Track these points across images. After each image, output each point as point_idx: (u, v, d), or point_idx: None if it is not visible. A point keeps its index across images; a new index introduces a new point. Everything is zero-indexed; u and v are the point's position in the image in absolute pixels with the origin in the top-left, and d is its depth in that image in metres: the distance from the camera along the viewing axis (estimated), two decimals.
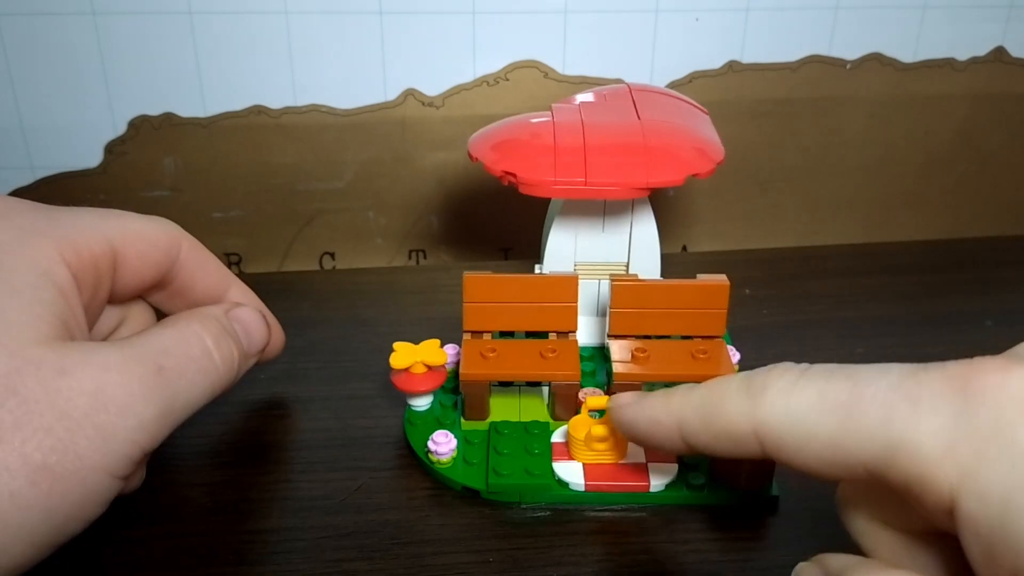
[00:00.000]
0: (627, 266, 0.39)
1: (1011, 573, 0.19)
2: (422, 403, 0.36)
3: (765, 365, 0.24)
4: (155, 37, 0.46)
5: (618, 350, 0.35)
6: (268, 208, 0.51)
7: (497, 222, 0.53)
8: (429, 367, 0.35)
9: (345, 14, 0.47)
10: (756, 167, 0.53)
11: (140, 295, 0.33)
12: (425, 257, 0.54)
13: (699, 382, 0.34)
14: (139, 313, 0.34)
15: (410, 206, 0.52)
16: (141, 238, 0.31)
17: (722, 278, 0.34)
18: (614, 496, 0.32)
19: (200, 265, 0.33)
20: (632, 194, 0.35)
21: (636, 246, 0.38)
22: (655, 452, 0.33)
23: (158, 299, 0.34)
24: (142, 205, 0.50)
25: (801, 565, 0.25)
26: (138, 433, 0.26)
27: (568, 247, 0.38)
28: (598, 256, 0.38)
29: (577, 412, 0.33)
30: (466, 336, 0.35)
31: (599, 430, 0.32)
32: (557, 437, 0.34)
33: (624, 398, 0.29)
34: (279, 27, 0.47)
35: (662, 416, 0.27)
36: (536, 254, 0.40)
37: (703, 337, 0.35)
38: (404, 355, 0.34)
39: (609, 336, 0.35)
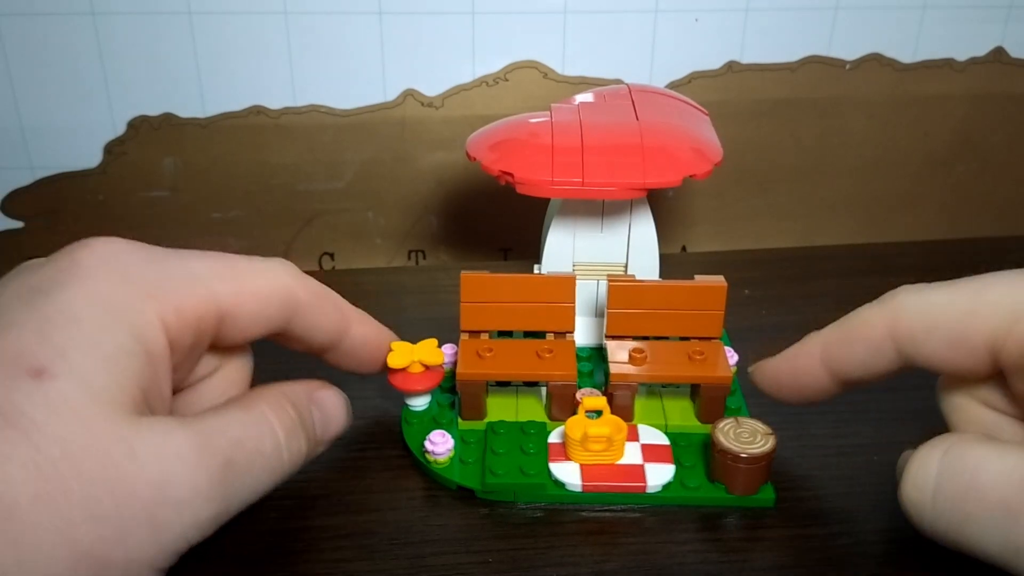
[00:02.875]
0: (625, 266, 0.39)
1: None
2: (419, 403, 0.36)
3: None
4: (155, 37, 0.46)
5: (615, 351, 0.35)
6: (268, 208, 0.51)
7: (496, 222, 0.53)
8: (426, 367, 0.35)
9: (345, 14, 0.47)
10: (756, 167, 0.53)
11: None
12: (424, 257, 0.54)
13: (697, 383, 0.34)
14: (238, 364, 0.32)
15: (409, 206, 0.52)
16: (254, 297, 0.29)
17: (719, 279, 0.34)
18: (611, 496, 0.32)
19: (316, 311, 0.31)
20: (629, 194, 0.35)
21: (634, 246, 0.38)
22: (652, 452, 0.33)
23: (273, 339, 0.32)
24: (141, 205, 0.50)
25: (907, 452, 0.28)
26: (192, 531, 0.25)
27: (567, 247, 0.38)
28: (596, 256, 0.38)
29: (574, 412, 0.33)
30: (463, 336, 0.35)
31: (596, 430, 0.32)
32: (554, 437, 0.34)
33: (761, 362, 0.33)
34: (279, 27, 0.47)
35: (802, 351, 0.31)
36: (535, 254, 0.40)
37: (700, 338, 0.35)
38: (401, 354, 0.34)
39: (606, 337, 0.35)
